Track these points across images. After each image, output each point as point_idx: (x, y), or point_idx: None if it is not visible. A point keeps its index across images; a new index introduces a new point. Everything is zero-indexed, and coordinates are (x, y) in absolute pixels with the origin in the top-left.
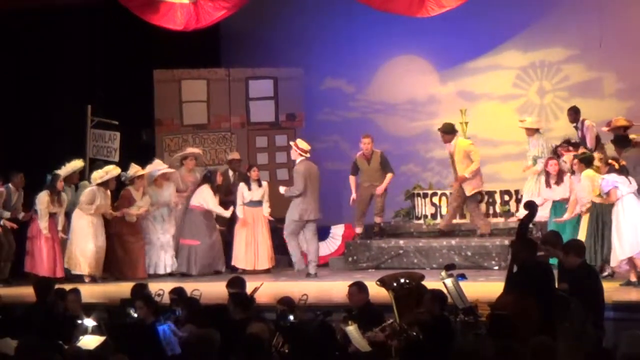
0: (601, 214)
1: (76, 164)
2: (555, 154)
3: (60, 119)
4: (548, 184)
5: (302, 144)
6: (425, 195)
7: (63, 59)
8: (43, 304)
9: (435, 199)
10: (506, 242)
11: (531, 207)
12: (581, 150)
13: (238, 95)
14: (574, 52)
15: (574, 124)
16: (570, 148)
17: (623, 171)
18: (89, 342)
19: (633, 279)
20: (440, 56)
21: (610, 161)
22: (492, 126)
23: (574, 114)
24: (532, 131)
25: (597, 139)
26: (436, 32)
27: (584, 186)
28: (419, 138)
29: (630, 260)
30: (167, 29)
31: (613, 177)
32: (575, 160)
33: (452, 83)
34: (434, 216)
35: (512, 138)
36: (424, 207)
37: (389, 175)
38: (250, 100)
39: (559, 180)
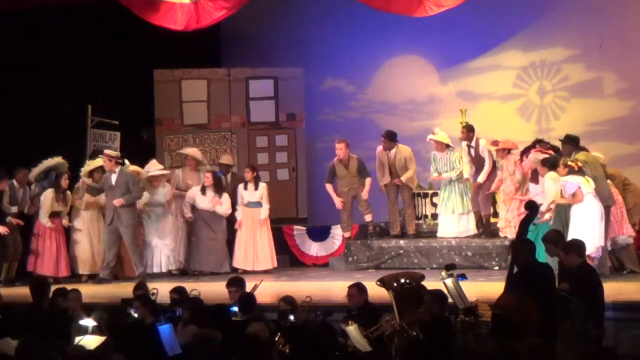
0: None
1: (52, 161)
2: (524, 154)
3: (60, 118)
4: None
5: (113, 152)
6: (425, 195)
7: (63, 59)
8: (39, 304)
9: (436, 199)
10: (506, 242)
11: (532, 207)
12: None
13: (238, 95)
14: (574, 52)
15: (467, 143)
16: (537, 146)
17: (579, 172)
18: (90, 342)
19: None
20: (441, 56)
21: (570, 163)
22: (492, 126)
23: (467, 132)
24: (443, 146)
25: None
26: (436, 32)
27: (548, 188)
28: (419, 138)
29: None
30: (168, 29)
31: (575, 178)
32: (539, 163)
33: (453, 83)
34: (434, 216)
35: (513, 138)
36: (424, 207)
37: (369, 180)
38: (250, 100)
39: (533, 177)
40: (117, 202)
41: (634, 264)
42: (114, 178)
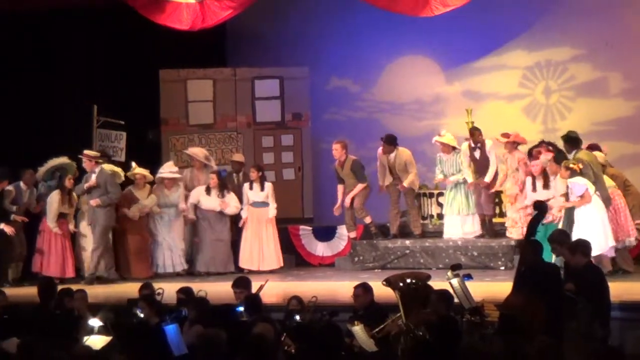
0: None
1: (58, 160)
2: (531, 155)
3: (66, 119)
4: (534, 188)
5: (92, 152)
6: (431, 195)
7: (69, 59)
8: (46, 305)
9: (442, 199)
10: (512, 242)
11: (540, 207)
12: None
13: (244, 95)
14: (580, 52)
15: (470, 144)
16: (541, 150)
17: (580, 174)
18: (95, 342)
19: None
20: (446, 56)
21: (571, 165)
22: (498, 126)
23: (479, 134)
24: (449, 148)
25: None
26: (442, 31)
27: (560, 189)
28: (425, 138)
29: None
30: (173, 28)
31: (581, 179)
32: (552, 163)
33: (458, 83)
34: (440, 216)
35: None
36: (430, 207)
37: (359, 186)
38: (256, 100)
39: (545, 183)
40: (94, 202)
41: (627, 264)
42: (93, 178)
